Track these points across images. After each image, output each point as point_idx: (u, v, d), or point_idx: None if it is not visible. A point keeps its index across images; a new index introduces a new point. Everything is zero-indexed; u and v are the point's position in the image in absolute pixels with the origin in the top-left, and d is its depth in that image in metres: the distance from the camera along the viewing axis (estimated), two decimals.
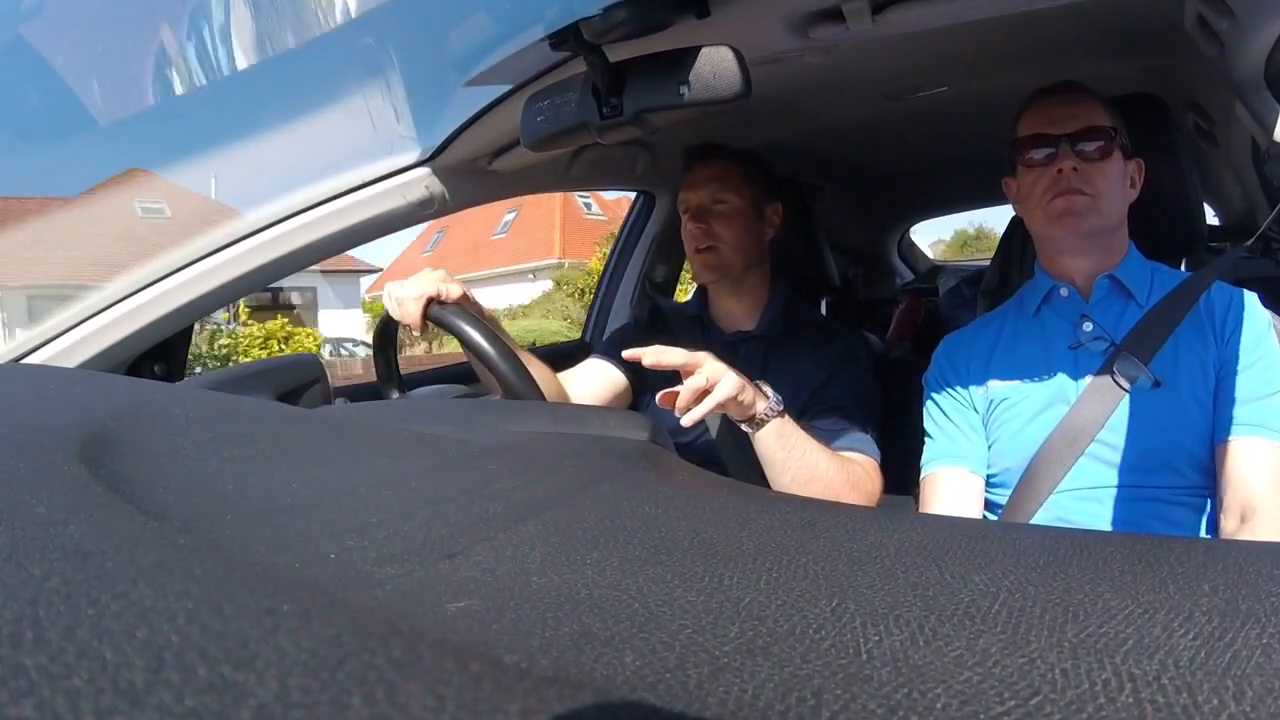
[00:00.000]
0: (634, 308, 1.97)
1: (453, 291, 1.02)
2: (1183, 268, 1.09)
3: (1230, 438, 0.88)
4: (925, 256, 3.12)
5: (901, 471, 1.16)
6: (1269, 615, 0.25)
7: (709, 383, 0.92)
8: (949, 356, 1.08)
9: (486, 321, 1.02)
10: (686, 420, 0.92)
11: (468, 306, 1.04)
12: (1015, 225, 1.25)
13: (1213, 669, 0.22)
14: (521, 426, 0.59)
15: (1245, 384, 0.90)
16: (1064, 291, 1.01)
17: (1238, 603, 0.26)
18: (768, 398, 1.00)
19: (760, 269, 1.32)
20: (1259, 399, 0.89)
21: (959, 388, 1.05)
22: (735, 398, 0.94)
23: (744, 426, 1.00)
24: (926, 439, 1.08)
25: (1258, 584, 0.28)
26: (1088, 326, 0.98)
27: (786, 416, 1.01)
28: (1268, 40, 0.93)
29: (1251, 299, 0.95)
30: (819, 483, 1.01)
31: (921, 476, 1.07)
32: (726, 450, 1.20)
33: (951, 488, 1.03)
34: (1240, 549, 0.32)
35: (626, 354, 0.95)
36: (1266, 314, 0.94)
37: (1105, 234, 0.98)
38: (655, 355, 0.93)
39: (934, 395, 1.07)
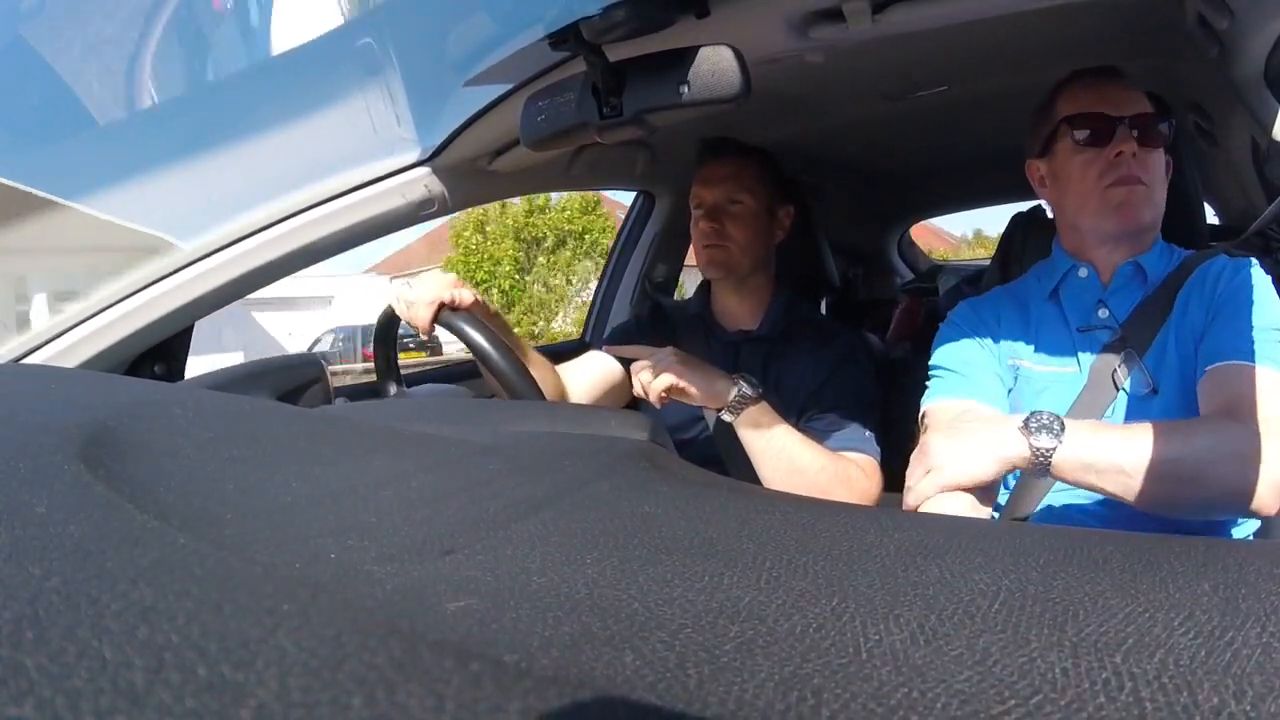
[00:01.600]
0: (634, 307, 1.97)
1: (464, 298, 1.04)
2: None
3: (1206, 369, 0.85)
4: (926, 256, 3.12)
5: (902, 470, 1.16)
6: (1269, 614, 0.25)
7: (654, 372, 1.02)
8: (976, 311, 1.02)
9: (496, 329, 1.03)
10: (651, 398, 1.04)
11: (478, 312, 1.04)
12: (1015, 225, 1.25)
13: (1213, 668, 0.22)
14: (521, 426, 0.59)
15: (1223, 325, 0.87)
16: (1083, 273, 0.97)
17: (1238, 601, 0.26)
18: (737, 385, 1.02)
19: (766, 270, 1.32)
20: (1235, 333, 0.85)
21: (987, 343, 0.99)
22: (687, 385, 1.01)
23: (724, 415, 1.03)
24: (935, 377, 0.98)
25: (1258, 583, 0.28)
26: (1103, 313, 0.95)
27: (764, 406, 1.03)
28: (1267, 40, 0.93)
29: (1247, 261, 0.92)
30: (802, 476, 1.02)
31: (926, 408, 0.97)
32: (725, 449, 1.20)
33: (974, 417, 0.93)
34: (1240, 549, 0.32)
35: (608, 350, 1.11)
36: (1261, 273, 0.91)
37: (1155, 226, 0.95)
38: (617, 350, 1.10)
39: (954, 339, 1.00)
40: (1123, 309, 0.95)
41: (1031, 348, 0.98)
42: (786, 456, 1.02)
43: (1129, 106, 0.93)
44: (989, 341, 0.99)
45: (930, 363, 1.01)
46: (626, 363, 1.33)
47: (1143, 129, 0.92)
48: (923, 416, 0.98)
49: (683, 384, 1.01)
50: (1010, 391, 0.98)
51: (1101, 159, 0.93)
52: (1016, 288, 1.06)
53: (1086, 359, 0.94)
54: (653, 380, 1.02)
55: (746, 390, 1.02)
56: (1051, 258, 1.03)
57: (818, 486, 1.02)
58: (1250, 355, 0.82)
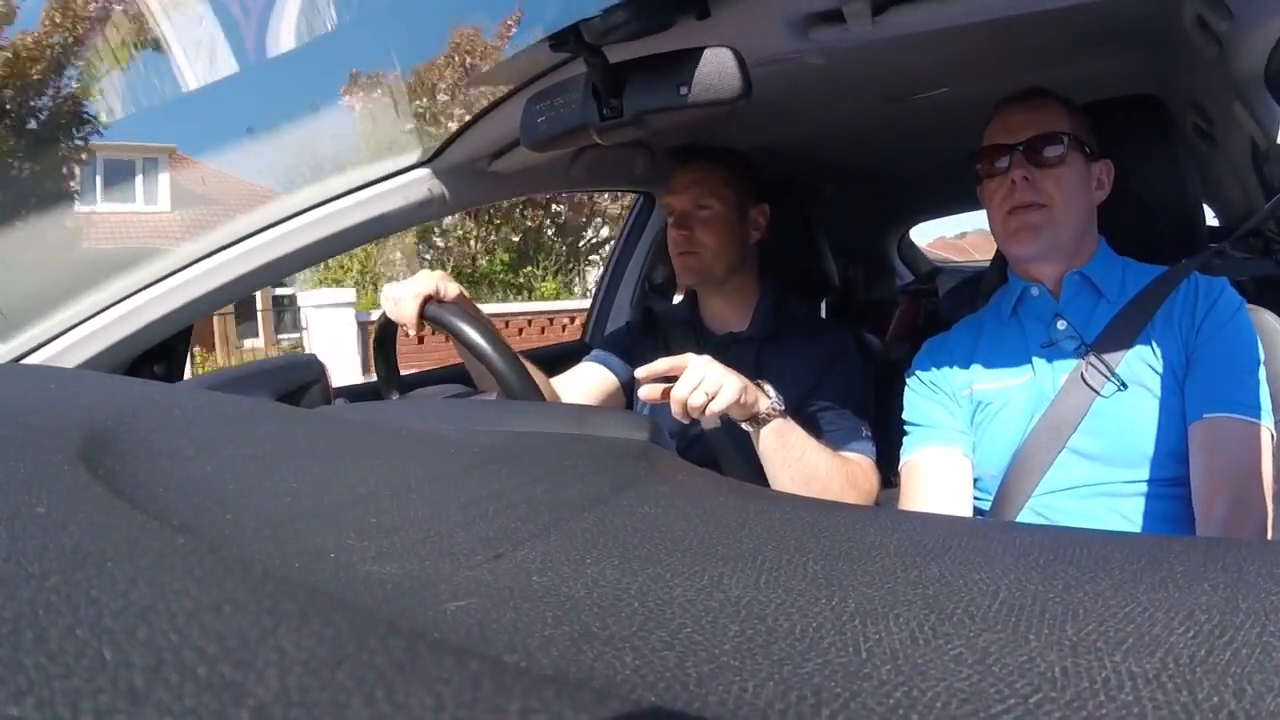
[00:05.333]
0: (634, 308, 1.97)
1: (450, 290, 1.02)
2: None
3: (1203, 415, 0.87)
4: (925, 257, 3.12)
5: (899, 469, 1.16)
6: (1269, 613, 0.25)
7: (709, 395, 0.94)
8: (932, 358, 1.07)
9: (483, 321, 1.02)
10: (680, 412, 0.96)
11: (465, 306, 1.03)
12: None
13: (1212, 667, 0.22)
14: (521, 427, 0.59)
15: (1214, 364, 0.89)
16: (1035, 292, 1.00)
17: (1238, 601, 0.26)
18: (770, 397, 1.00)
19: (746, 271, 1.32)
20: (1228, 377, 0.88)
21: (944, 387, 1.04)
22: (738, 400, 0.95)
23: (745, 425, 1.01)
24: (909, 430, 1.06)
25: (1257, 583, 0.28)
26: (1061, 325, 0.97)
27: (787, 415, 1.02)
28: (1267, 41, 0.93)
29: (1222, 282, 0.94)
30: (819, 482, 1.01)
31: (903, 462, 1.04)
32: (723, 451, 1.20)
33: (943, 469, 0.99)
34: (1240, 548, 0.32)
35: (641, 374, 0.98)
36: (1237, 297, 0.94)
37: (1066, 243, 0.97)
38: (644, 371, 0.97)
39: (918, 392, 1.06)
40: (1078, 318, 0.97)
41: (989, 370, 1.01)
42: (806, 464, 1.02)
43: (1025, 131, 0.96)
44: (944, 381, 1.05)
45: (905, 407, 1.07)
46: (623, 373, 1.33)
47: (1037, 151, 0.95)
48: (900, 468, 1.05)
49: (729, 399, 0.94)
50: (973, 418, 1.02)
51: (1002, 188, 0.97)
52: (979, 316, 1.10)
53: (1053, 369, 0.96)
54: (698, 393, 0.94)
55: (776, 404, 1.00)
56: (1008, 281, 1.06)
57: (830, 491, 1.02)
58: (1243, 407, 0.86)
